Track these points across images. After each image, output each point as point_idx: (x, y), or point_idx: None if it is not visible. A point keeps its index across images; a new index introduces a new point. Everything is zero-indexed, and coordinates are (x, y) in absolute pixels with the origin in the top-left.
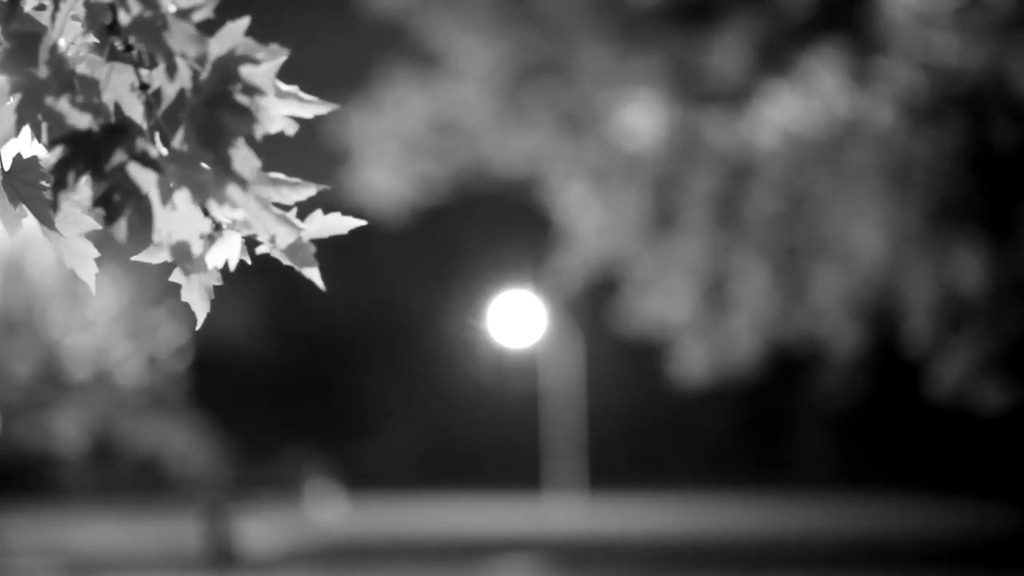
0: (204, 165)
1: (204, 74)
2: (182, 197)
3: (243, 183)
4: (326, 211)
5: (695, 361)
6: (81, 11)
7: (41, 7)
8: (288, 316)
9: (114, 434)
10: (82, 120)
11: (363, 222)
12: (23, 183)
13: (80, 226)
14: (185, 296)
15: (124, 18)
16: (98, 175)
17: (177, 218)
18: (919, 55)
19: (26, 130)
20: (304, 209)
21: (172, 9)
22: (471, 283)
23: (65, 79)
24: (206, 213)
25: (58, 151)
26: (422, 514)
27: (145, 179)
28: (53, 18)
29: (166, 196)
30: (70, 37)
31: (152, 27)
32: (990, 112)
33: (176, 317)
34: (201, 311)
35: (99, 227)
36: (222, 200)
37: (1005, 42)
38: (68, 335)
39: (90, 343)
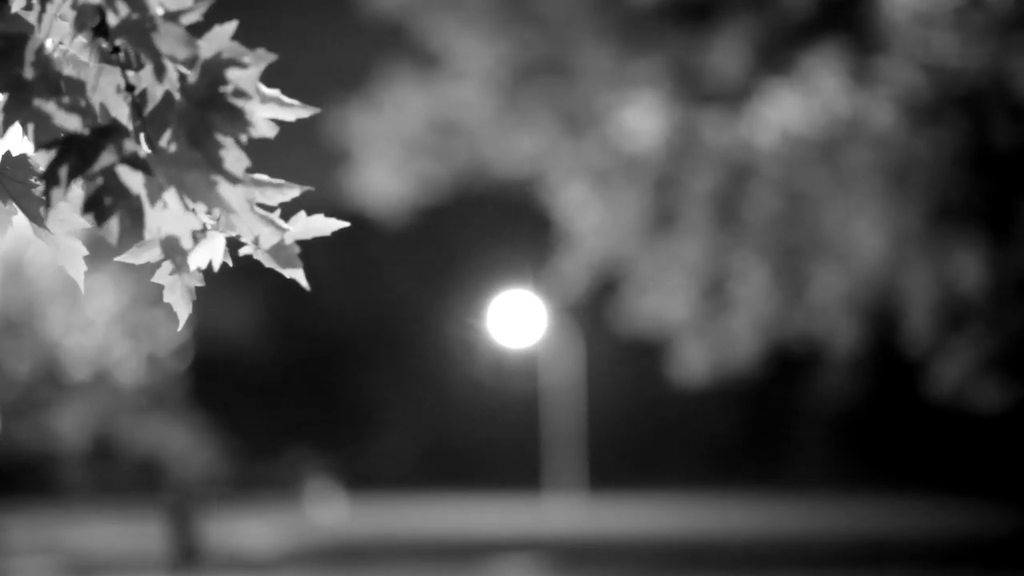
0: (193, 167)
1: (193, 77)
2: (172, 197)
3: (235, 183)
4: (326, 212)
5: (695, 361)
6: (68, 12)
7: (29, 7)
8: (288, 316)
9: (114, 434)
10: (69, 121)
11: (346, 224)
12: (13, 181)
13: (70, 224)
14: (168, 297)
15: (112, 20)
16: (88, 177)
17: (167, 218)
18: (919, 55)
19: (16, 128)
20: (293, 210)
21: (160, 12)
22: (471, 283)
23: (52, 80)
24: (194, 213)
25: (48, 155)
26: (422, 514)
27: (134, 181)
28: (39, 19)
29: (155, 197)
30: (56, 38)
31: (140, 29)
32: (990, 112)
33: (175, 317)
34: (183, 312)
35: (88, 225)
36: (213, 201)
37: (1005, 42)
38: (68, 335)
39: (90, 343)
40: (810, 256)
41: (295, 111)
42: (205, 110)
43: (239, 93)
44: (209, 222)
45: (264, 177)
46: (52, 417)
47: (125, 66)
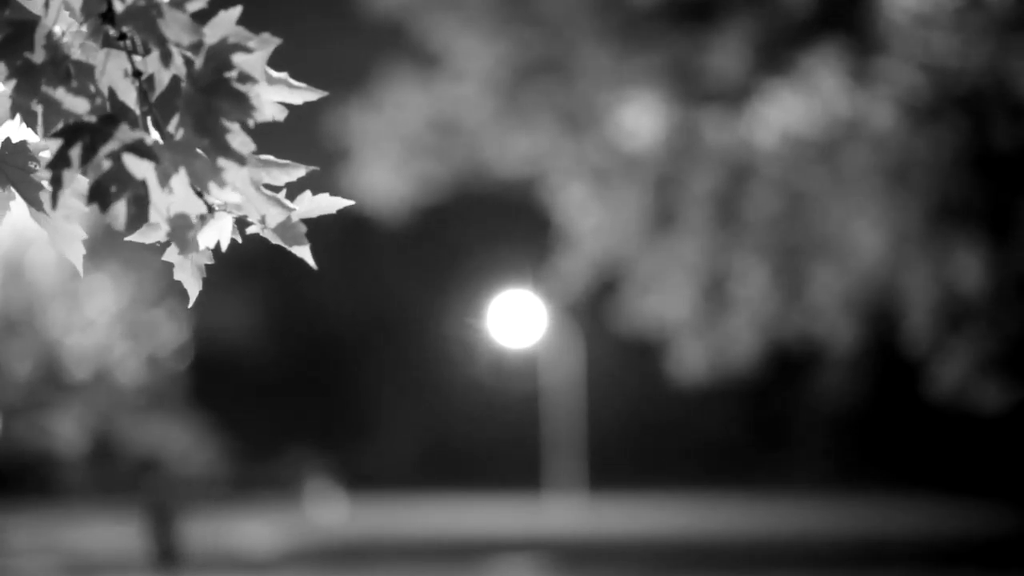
0: (199, 151)
1: (199, 62)
2: (179, 182)
3: (242, 166)
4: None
5: (695, 360)
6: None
7: None
8: (288, 316)
9: (114, 434)
10: (77, 105)
11: (351, 202)
12: (11, 166)
13: (68, 208)
14: (178, 275)
15: (118, 6)
16: (93, 165)
17: (173, 202)
18: (919, 55)
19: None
20: (300, 192)
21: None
22: (471, 283)
23: (60, 65)
24: (200, 196)
25: (55, 143)
26: (422, 514)
27: (141, 167)
28: (47, 4)
29: (163, 182)
30: (64, 24)
31: (146, 16)
32: (990, 112)
33: (175, 317)
34: (193, 289)
35: (85, 209)
36: (221, 184)
37: (1005, 42)
38: (68, 335)
39: (90, 343)
40: (810, 256)
41: (303, 93)
42: (211, 95)
43: (245, 78)
44: (218, 203)
45: (270, 157)
46: (52, 417)
47: (132, 52)
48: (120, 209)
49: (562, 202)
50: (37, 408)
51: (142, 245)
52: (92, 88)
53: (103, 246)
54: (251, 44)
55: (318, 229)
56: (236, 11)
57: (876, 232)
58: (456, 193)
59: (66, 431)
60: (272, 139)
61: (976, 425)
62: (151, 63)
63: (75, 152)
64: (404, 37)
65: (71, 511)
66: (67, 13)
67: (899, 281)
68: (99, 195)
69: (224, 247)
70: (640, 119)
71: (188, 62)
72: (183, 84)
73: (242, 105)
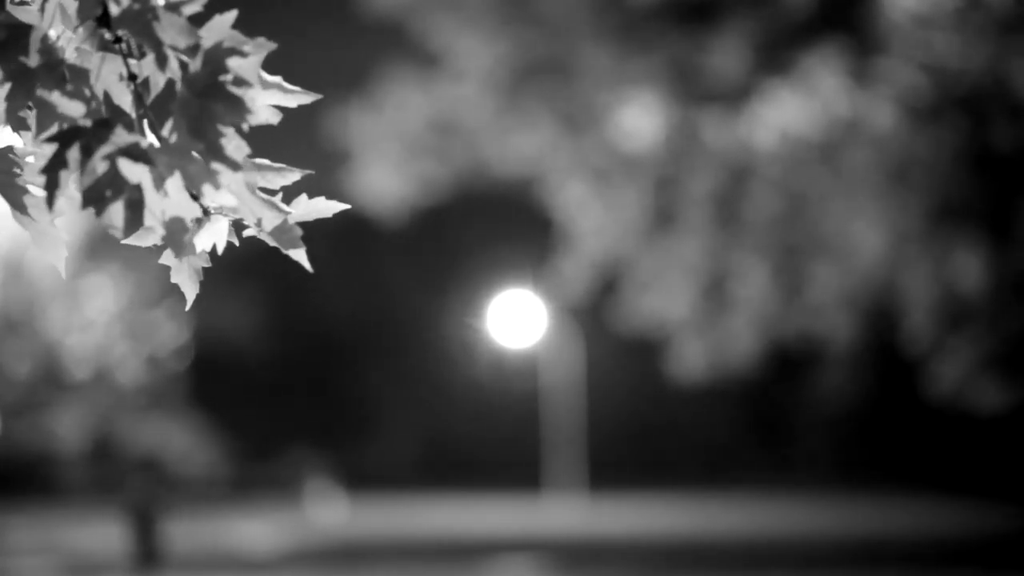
0: (195, 154)
1: (195, 66)
2: (174, 185)
3: (236, 170)
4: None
5: (695, 360)
6: (70, 3)
7: (24, 2)
8: (288, 316)
9: (114, 434)
10: (72, 109)
11: (347, 206)
12: None
13: (54, 212)
14: (175, 277)
15: (114, 9)
16: (88, 170)
17: (168, 205)
18: (919, 55)
19: None
20: (296, 196)
21: (161, 2)
22: (471, 283)
23: (55, 68)
24: (195, 199)
25: (50, 148)
26: (422, 514)
27: (136, 171)
28: (42, 8)
29: (158, 185)
30: (59, 28)
31: (142, 19)
32: (990, 112)
33: (175, 317)
34: (190, 292)
35: (66, 212)
36: (216, 187)
37: (1005, 42)
38: (68, 335)
39: (90, 343)
40: (810, 256)
41: (297, 97)
42: (206, 99)
43: (240, 81)
44: (213, 206)
45: (265, 161)
46: (52, 417)
47: (127, 55)
48: (115, 213)
49: (562, 202)
50: (37, 408)
51: (141, 246)
52: (87, 92)
53: (103, 247)
54: (246, 48)
55: (319, 230)
56: (231, 15)
57: (876, 232)
58: (456, 193)
59: (66, 431)
60: (273, 140)
61: (976, 425)
62: (146, 66)
63: (71, 156)
64: (404, 37)
65: (71, 511)
66: (66, 14)
67: (899, 281)
68: (94, 199)
69: (220, 250)
70: (640, 119)
71: (183, 65)
72: (178, 87)
73: (237, 109)
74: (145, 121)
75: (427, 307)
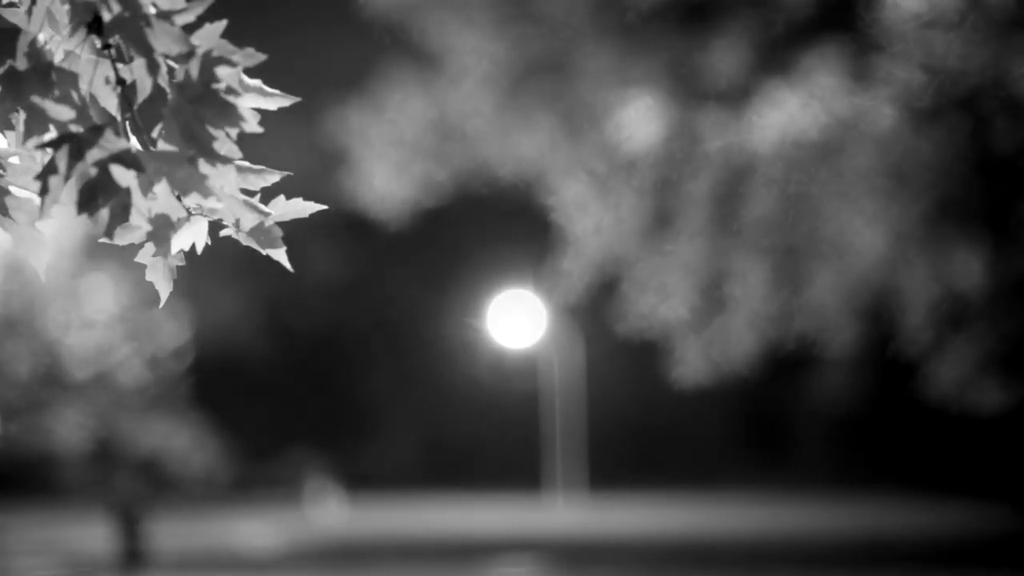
0: (184, 160)
1: (187, 73)
2: (161, 188)
3: (227, 175)
4: (327, 212)
5: (694, 361)
6: (59, 8)
7: (12, 4)
8: (288, 316)
9: (114, 434)
10: (61, 113)
11: (324, 207)
12: None
13: (33, 214)
14: (149, 276)
15: (106, 16)
16: (81, 174)
17: (155, 206)
18: (919, 55)
19: None
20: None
21: (152, 10)
22: (471, 283)
23: (44, 72)
24: (180, 201)
25: (41, 155)
26: (422, 514)
27: (126, 176)
28: (30, 12)
29: (146, 191)
30: (48, 32)
31: (134, 26)
32: (990, 112)
33: (176, 317)
34: (164, 290)
35: (61, 216)
36: (206, 193)
37: (1005, 43)
38: (68, 335)
39: (90, 343)
40: (809, 256)
41: (277, 100)
42: (198, 105)
43: (231, 90)
44: (193, 208)
45: (245, 163)
46: (52, 417)
47: (116, 60)
48: (105, 216)
49: (562, 202)
50: (37, 408)
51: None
52: (75, 96)
53: (103, 247)
54: (235, 58)
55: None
56: (221, 24)
57: (875, 232)
58: (456, 194)
59: (66, 431)
60: (270, 141)
61: (976, 425)
62: (135, 71)
63: (62, 162)
64: (404, 37)
65: (71, 511)
66: (56, 19)
67: (898, 281)
68: (86, 203)
69: (200, 250)
70: (639, 120)
71: (171, 71)
72: (169, 93)
73: (229, 116)
74: (128, 124)
75: (427, 307)
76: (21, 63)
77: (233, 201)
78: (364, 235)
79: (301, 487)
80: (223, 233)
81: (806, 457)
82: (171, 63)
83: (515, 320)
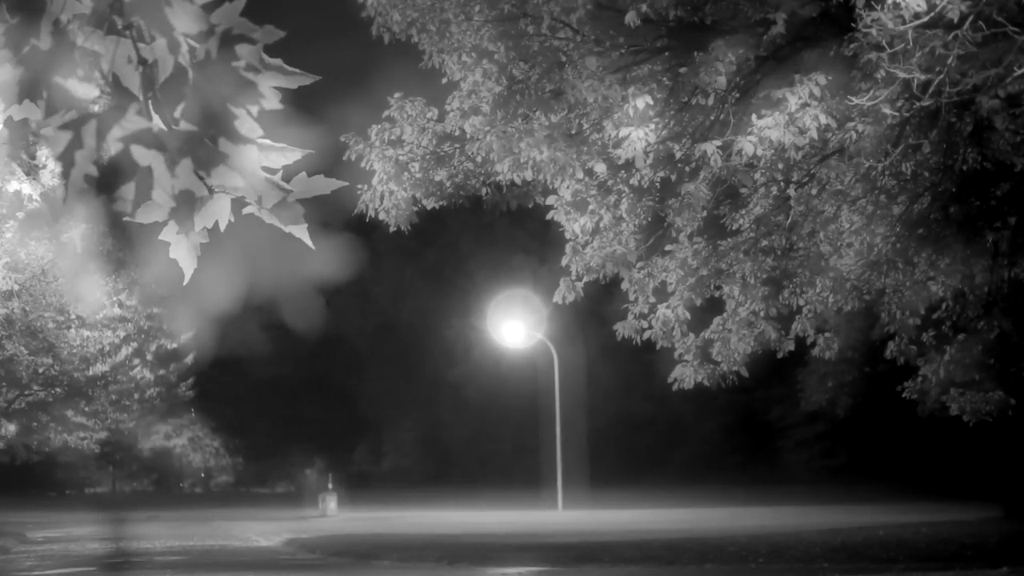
0: (205, 139)
1: (207, 51)
2: (183, 167)
3: (249, 152)
4: (330, 213)
5: (692, 363)
6: None
7: None
8: (288, 316)
9: (117, 434)
10: (83, 91)
11: (345, 183)
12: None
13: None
14: (173, 253)
15: None
16: (102, 155)
17: (177, 184)
18: (918, 58)
19: None
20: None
21: None
22: (471, 283)
23: (66, 51)
24: (201, 179)
25: (64, 136)
26: (422, 514)
27: (148, 155)
28: None
29: (170, 167)
30: (70, 12)
31: (155, 6)
32: (987, 117)
33: (178, 317)
34: (188, 267)
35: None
36: (229, 169)
37: (1003, 48)
38: (70, 335)
39: (93, 343)
40: (803, 262)
41: (297, 79)
42: (219, 84)
43: (251, 67)
44: (215, 186)
45: (267, 141)
46: (55, 417)
47: (138, 39)
48: (127, 193)
49: (561, 207)
50: (38, 408)
51: (144, 245)
52: (98, 75)
53: (103, 247)
54: (256, 35)
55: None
56: (240, 2)
57: (868, 237)
58: (458, 197)
59: (69, 431)
60: (271, 141)
61: (966, 428)
62: (156, 50)
63: (87, 140)
64: (407, 45)
65: (71, 511)
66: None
67: (897, 282)
68: (107, 181)
69: (223, 227)
70: (636, 128)
71: (192, 51)
72: (189, 72)
73: (250, 93)
74: (151, 104)
75: (427, 307)
76: (44, 43)
77: (255, 178)
78: (365, 236)
79: (302, 487)
80: (246, 211)
81: (802, 457)
82: (191, 42)
83: (515, 320)
